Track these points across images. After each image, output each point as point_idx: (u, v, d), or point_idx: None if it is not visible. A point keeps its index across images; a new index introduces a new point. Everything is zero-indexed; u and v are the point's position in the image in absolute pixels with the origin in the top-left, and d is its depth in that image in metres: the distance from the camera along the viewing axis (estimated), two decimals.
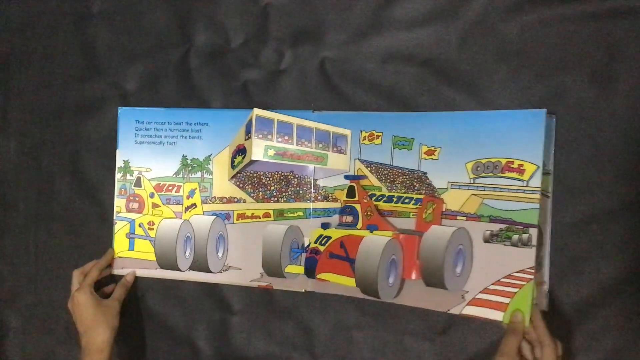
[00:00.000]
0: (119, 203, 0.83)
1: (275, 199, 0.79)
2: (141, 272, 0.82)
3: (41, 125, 0.86)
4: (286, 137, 0.76)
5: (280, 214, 0.79)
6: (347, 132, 0.76)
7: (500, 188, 0.68)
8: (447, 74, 0.75)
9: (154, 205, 0.82)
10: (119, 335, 0.79)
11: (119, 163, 0.83)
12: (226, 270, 0.80)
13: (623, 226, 0.70)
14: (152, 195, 0.82)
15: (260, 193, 0.79)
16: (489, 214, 0.69)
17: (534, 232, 0.65)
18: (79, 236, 0.85)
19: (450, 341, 0.75)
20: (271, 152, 0.75)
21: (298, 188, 0.78)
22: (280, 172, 0.79)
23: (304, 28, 0.79)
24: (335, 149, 0.77)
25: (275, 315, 0.80)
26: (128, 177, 0.83)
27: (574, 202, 0.71)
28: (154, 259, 0.81)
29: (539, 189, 0.65)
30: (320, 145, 0.77)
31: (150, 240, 0.82)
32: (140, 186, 0.82)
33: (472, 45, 0.74)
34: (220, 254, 0.80)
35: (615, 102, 0.70)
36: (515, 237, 0.66)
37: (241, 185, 0.80)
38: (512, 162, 0.67)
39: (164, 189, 0.82)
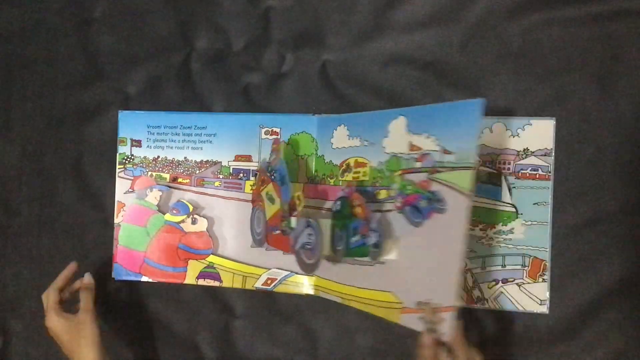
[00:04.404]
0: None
1: None
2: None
3: (44, 129, 0.85)
4: None
5: None
6: None
7: None
8: (449, 76, 0.75)
9: None
10: (123, 340, 0.79)
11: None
12: None
13: (625, 229, 0.70)
14: None
15: None
16: None
17: None
18: (82, 240, 0.84)
19: None
20: None
21: None
22: None
23: (305, 31, 0.80)
24: None
25: (278, 319, 0.80)
26: None
27: (576, 204, 0.71)
28: None
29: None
30: None
31: None
32: None
33: (474, 48, 0.74)
34: None
35: (618, 105, 0.70)
36: None
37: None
38: None
39: None
